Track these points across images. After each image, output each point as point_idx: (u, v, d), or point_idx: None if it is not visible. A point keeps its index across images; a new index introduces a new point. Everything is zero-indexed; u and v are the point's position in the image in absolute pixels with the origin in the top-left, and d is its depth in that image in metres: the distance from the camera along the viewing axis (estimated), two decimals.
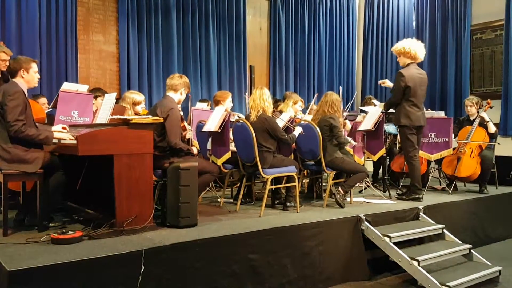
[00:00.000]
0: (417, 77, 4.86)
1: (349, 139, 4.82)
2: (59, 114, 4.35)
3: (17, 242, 3.03)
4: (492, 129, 5.73)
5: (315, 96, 6.84)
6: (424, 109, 5.18)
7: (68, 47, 6.36)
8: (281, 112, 5.23)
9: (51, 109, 4.98)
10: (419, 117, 4.88)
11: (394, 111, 5.07)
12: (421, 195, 4.95)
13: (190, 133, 4.32)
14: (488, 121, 5.71)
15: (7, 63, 3.86)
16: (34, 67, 3.53)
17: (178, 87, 4.01)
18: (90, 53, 6.82)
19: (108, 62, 6.97)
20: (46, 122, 4.41)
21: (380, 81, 5.41)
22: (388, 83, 5.21)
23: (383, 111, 5.20)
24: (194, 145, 4.60)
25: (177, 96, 4.02)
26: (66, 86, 4.55)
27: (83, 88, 4.64)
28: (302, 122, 4.76)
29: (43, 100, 5.35)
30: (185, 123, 4.29)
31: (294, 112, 5.34)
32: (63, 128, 3.61)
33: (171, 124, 3.80)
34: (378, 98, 8.24)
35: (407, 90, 4.79)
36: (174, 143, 3.80)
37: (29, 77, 3.49)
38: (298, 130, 4.54)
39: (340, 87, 6.21)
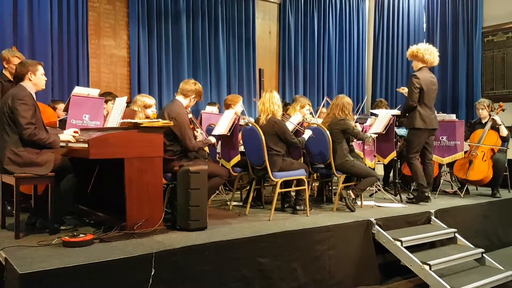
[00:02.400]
0: (429, 81, 4.89)
1: (369, 134, 4.80)
2: (71, 118, 4.39)
3: (29, 245, 3.05)
4: (504, 132, 5.68)
5: (324, 99, 6.82)
6: (435, 112, 5.17)
7: (79, 51, 6.42)
8: (290, 115, 5.22)
9: (67, 116, 4.98)
10: (433, 120, 4.93)
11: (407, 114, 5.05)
12: (428, 193, 4.92)
13: (200, 137, 4.31)
14: (500, 124, 5.67)
15: None
16: (41, 69, 3.55)
17: (189, 93, 4.01)
18: (101, 57, 6.87)
19: (119, 66, 7.02)
20: (58, 126, 4.45)
21: (398, 89, 5.38)
22: (406, 90, 5.17)
23: (400, 117, 5.19)
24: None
25: (185, 102, 4.02)
26: (78, 90, 4.58)
27: (94, 92, 4.67)
28: (311, 125, 4.74)
29: (62, 105, 5.34)
30: (196, 127, 4.27)
31: (301, 115, 5.32)
32: (75, 132, 3.62)
33: (180, 130, 3.82)
34: (389, 101, 8.19)
35: (421, 92, 4.80)
36: (191, 146, 3.86)
37: (36, 80, 3.50)
38: (307, 134, 4.52)
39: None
